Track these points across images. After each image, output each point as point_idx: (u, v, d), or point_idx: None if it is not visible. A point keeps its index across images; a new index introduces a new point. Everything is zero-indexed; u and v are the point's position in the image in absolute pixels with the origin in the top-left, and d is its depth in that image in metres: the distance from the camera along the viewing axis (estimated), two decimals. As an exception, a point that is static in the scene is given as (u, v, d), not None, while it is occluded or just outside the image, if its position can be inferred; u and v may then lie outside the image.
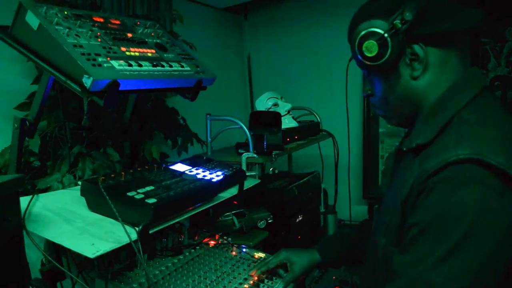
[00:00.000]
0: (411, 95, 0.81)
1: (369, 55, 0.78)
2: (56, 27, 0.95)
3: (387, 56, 0.77)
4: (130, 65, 1.00)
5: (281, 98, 1.95)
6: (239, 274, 1.18)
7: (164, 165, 1.22)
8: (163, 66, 1.09)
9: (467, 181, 0.65)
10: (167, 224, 0.99)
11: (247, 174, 1.41)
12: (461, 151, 0.67)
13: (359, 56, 0.81)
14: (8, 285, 0.79)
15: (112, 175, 1.04)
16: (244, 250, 1.33)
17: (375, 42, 0.77)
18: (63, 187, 1.29)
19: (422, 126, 0.79)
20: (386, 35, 0.76)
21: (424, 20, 0.75)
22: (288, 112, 1.89)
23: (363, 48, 0.79)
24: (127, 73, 0.97)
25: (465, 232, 0.64)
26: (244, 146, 1.65)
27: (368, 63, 0.80)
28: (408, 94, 0.81)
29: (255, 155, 1.53)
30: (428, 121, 0.78)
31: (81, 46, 0.95)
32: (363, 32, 0.78)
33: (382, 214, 0.86)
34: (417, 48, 0.77)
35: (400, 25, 0.74)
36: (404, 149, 0.82)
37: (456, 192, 0.66)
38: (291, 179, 1.87)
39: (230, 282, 1.13)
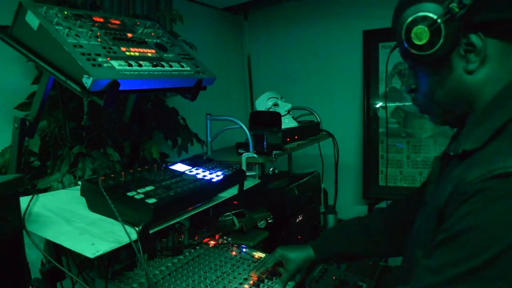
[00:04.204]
0: (463, 92, 0.71)
1: (418, 43, 0.68)
2: (56, 27, 0.95)
3: (439, 45, 0.66)
4: (130, 65, 1.00)
5: (281, 98, 1.95)
6: (239, 274, 1.18)
7: (164, 165, 1.22)
8: (163, 66, 1.09)
9: None
10: (167, 224, 0.99)
11: (247, 174, 1.40)
12: (510, 162, 0.57)
13: (406, 44, 0.70)
14: (8, 285, 0.79)
15: (112, 175, 1.04)
16: (244, 250, 1.33)
17: (426, 28, 0.66)
18: (63, 187, 1.29)
19: (473, 129, 0.69)
20: (439, 20, 0.65)
21: (487, 5, 0.64)
22: (288, 112, 1.89)
23: (412, 35, 0.68)
24: (127, 73, 0.97)
25: (500, 252, 0.54)
26: (244, 146, 1.65)
27: (416, 52, 0.69)
28: (460, 90, 0.71)
29: (255, 155, 1.53)
30: (480, 122, 0.68)
31: (81, 46, 0.95)
32: (412, 17, 0.68)
33: (421, 224, 0.78)
34: (474, 38, 0.66)
35: (457, 10, 0.63)
36: (451, 153, 0.73)
37: (497, 204, 0.56)
38: (291, 179, 1.87)
39: (230, 282, 1.13)
